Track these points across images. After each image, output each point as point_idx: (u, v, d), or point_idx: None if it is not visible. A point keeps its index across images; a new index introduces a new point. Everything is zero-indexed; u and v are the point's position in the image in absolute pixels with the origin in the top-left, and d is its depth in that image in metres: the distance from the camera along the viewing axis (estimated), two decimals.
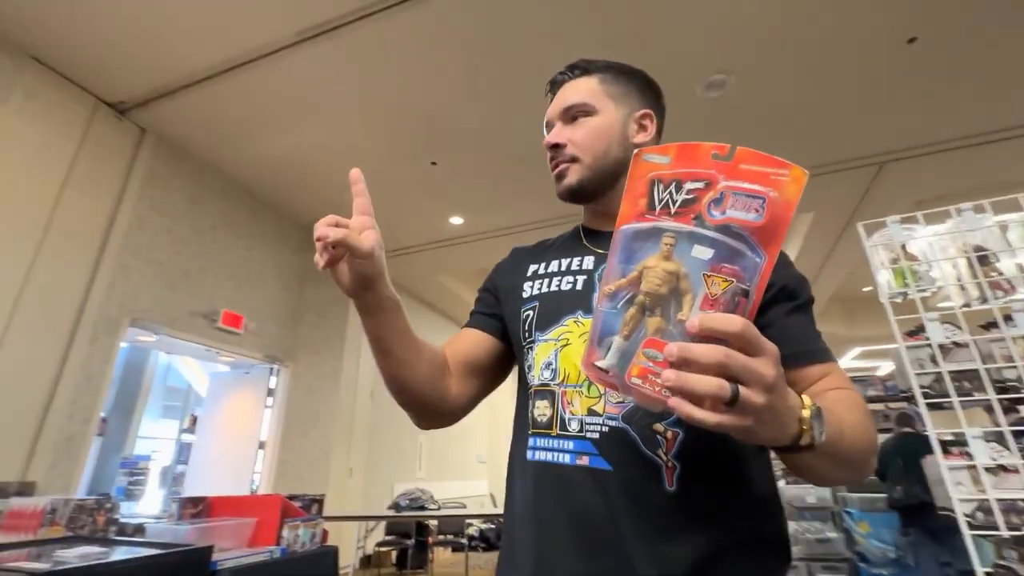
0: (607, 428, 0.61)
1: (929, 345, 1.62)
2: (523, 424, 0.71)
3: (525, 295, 0.75)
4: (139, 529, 1.96)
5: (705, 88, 3.10)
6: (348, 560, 4.51)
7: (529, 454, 0.67)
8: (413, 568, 5.04)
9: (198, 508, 1.98)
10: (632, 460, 0.59)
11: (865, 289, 7.86)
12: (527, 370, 0.72)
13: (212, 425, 4.50)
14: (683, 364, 0.37)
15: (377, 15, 2.53)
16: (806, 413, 0.43)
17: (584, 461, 0.61)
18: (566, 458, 0.62)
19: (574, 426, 0.63)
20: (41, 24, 2.57)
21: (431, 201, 4.28)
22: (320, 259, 0.55)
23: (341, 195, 4.28)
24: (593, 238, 0.78)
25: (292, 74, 2.93)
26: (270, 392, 4.37)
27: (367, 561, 4.95)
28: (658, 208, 0.44)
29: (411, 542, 4.95)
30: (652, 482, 0.58)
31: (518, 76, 2.96)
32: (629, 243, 0.45)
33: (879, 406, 4.56)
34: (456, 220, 4.64)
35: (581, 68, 0.77)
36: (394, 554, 5.13)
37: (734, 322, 0.37)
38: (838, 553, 3.48)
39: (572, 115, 0.75)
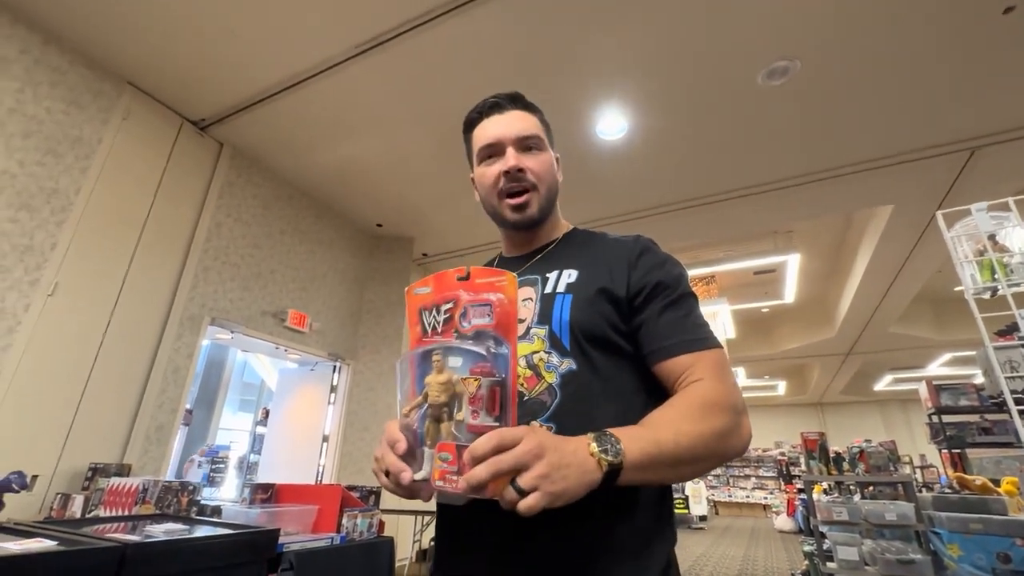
0: None
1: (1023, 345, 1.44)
2: None
3: None
4: (216, 511, 2.13)
5: (766, 76, 2.94)
6: (405, 553, 4.65)
7: None
8: None
9: (267, 494, 2.12)
10: None
11: (956, 288, 7.13)
12: None
13: (281, 418, 4.79)
14: (472, 462, 0.45)
15: (424, 26, 2.63)
16: (593, 446, 0.49)
17: None
18: None
19: None
20: (135, 52, 2.87)
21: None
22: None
23: (396, 201, 4.44)
24: (507, 267, 0.82)
25: (350, 86, 3.09)
26: (333, 388, 4.60)
27: (423, 555, 5.08)
28: (429, 332, 0.54)
29: None
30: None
31: (563, 77, 2.95)
32: (420, 366, 0.53)
33: (974, 418, 4.09)
34: None
35: (523, 103, 0.81)
36: None
37: (485, 444, 0.45)
38: None
39: (527, 145, 0.78)
